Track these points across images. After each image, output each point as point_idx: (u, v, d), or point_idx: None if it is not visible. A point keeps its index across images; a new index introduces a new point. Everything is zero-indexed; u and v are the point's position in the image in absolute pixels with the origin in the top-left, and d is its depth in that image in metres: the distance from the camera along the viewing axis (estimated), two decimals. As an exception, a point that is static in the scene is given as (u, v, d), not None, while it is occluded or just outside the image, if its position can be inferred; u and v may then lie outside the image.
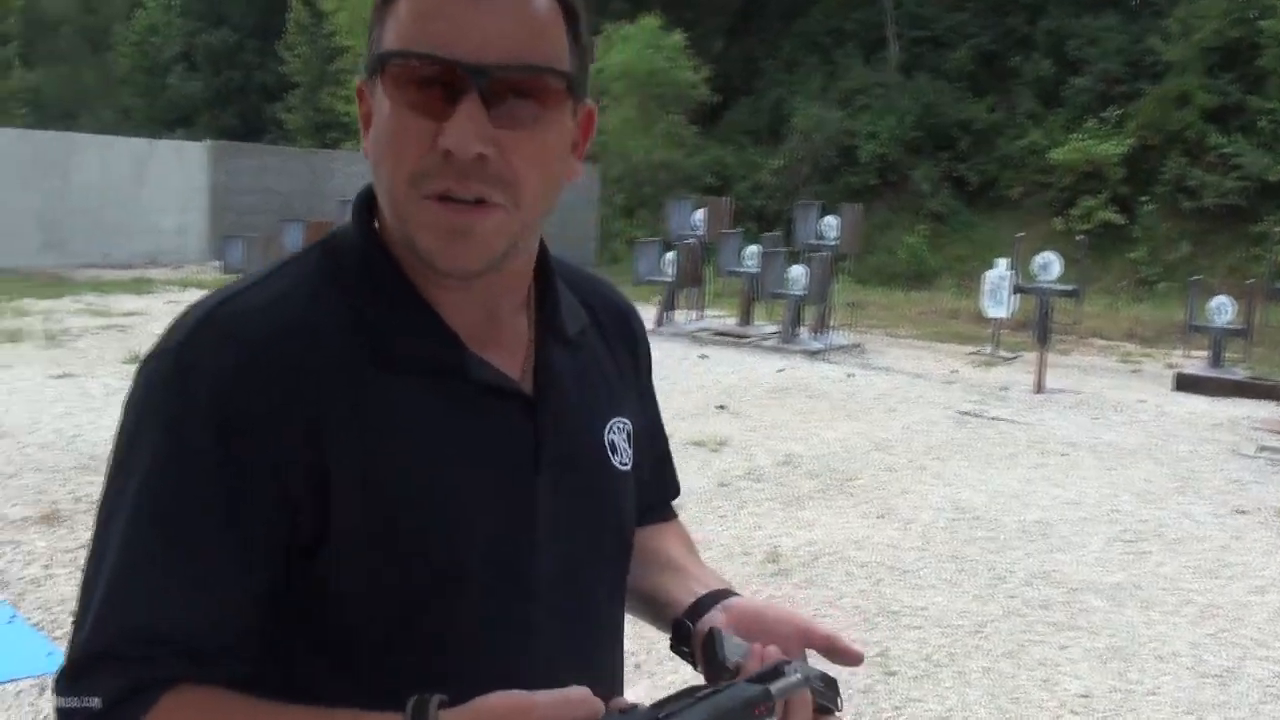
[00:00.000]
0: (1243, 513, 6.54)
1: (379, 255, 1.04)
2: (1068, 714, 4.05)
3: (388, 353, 1.02)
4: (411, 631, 1.01)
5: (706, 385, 9.42)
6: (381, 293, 1.03)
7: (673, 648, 1.20)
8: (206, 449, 0.94)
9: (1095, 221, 22.35)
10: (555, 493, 1.10)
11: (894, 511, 6.31)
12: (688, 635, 1.17)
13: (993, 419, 8.54)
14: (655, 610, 1.26)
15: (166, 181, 19.54)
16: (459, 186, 0.95)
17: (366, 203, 1.07)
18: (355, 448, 0.98)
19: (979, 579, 5.35)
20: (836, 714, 1.08)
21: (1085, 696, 4.19)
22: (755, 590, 5.11)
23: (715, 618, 1.16)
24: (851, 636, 1.13)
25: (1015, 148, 24.66)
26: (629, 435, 1.21)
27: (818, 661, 1.13)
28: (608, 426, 1.18)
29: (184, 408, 0.95)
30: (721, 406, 8.71)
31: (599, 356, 1.21)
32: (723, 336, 12.68)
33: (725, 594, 1.20)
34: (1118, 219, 22.70)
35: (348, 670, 1.01)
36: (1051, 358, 9.63)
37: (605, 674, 1.18)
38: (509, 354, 1.09)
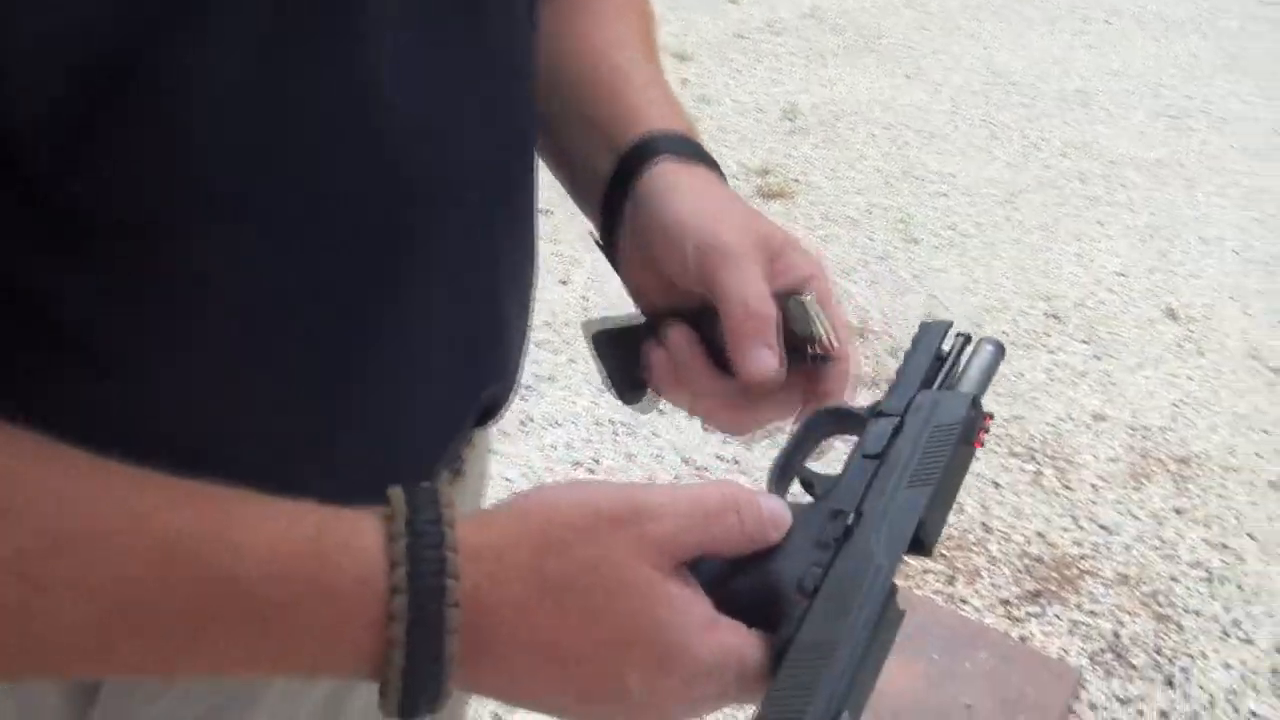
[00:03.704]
0: (1294, 95, 6.07)
1: None
2: (1103, 291, 3.78)
3: None
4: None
5: (721, -72, 8.56)
6: None
7: (595, 237, 0.75)
8: None
9: None
10: None
11: (923, 72, 5.79)
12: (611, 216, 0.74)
13: (1031, -19, 7.83)
14: (560, 156, 0.79)
15: None
16: None
17: None
18: None
19: (1012, 147, 4.95)
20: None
21: (1122, 275, 3.91)
22: (769, 149, 4.72)
23: (624, 244, 0.72)
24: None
25: None
26: None
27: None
28: None
29: None
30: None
31: None
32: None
33: (665, 143, 0.71)
34: None
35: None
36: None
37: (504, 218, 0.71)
38: None
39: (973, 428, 0.60)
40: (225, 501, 0.50)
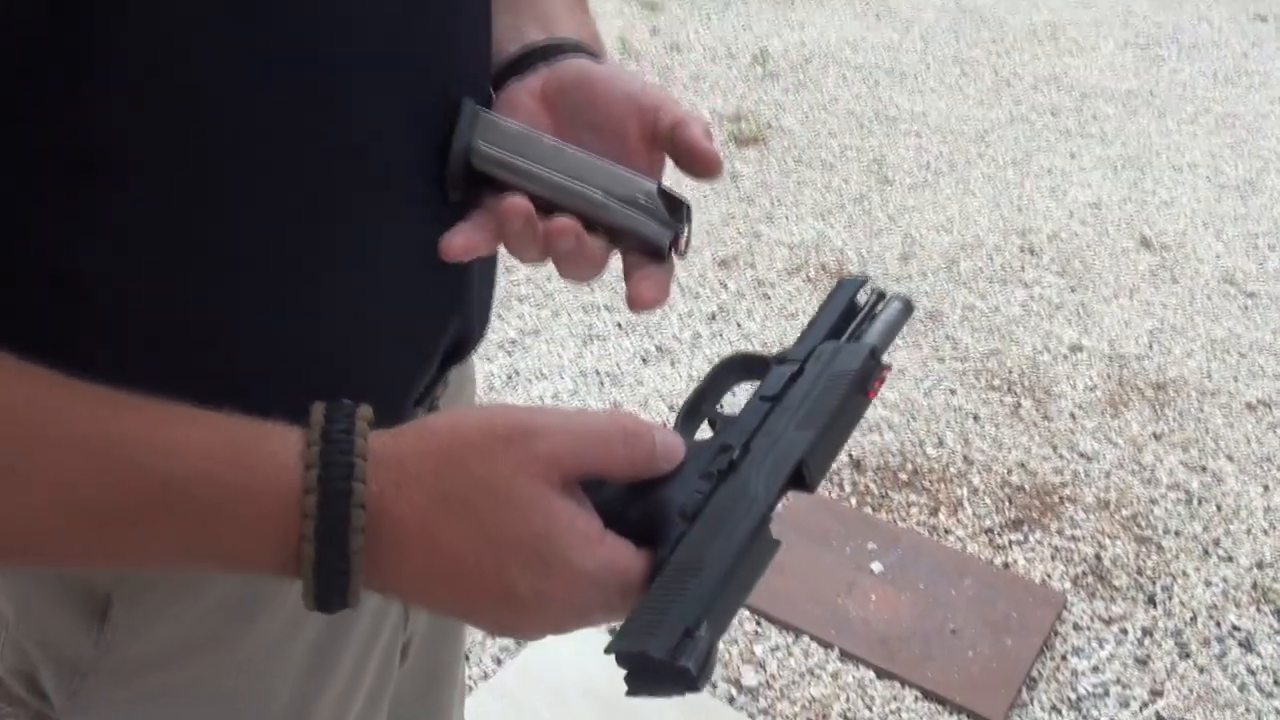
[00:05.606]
0: (1262, 19, 6.06)
1: None
2: (1076, 224, 3.81)
3: None
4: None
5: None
6: None
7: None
8: None
9: None
10: None
11: (893, 11, 5.78)
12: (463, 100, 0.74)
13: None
14: None
15: None
16: None
17: None
18: None
19: (983, 83, 4.96)
20: (677, 255, 0.70)
21: (1096, 206, 3.93)
22: (741, 96, 4.72)
23: (528, 84, 0.74)
24: (707, 128, 0.71)
25: None
26: None
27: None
28: None
29: None
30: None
31: None
32: None
33: (566, 48, 0.76)
34: None
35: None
36: None
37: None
38: None
39: (868, 377, 0.64)
40: (158, 410, 0.54)
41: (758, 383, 0.67)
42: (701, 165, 0.68)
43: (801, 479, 0.59)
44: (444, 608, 0.59)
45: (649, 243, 0.69)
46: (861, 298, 0.70)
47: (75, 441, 0.52)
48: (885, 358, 0.66)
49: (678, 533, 0.57)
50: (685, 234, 0.70)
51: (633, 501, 0.59)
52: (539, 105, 0.73)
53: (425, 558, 0.55)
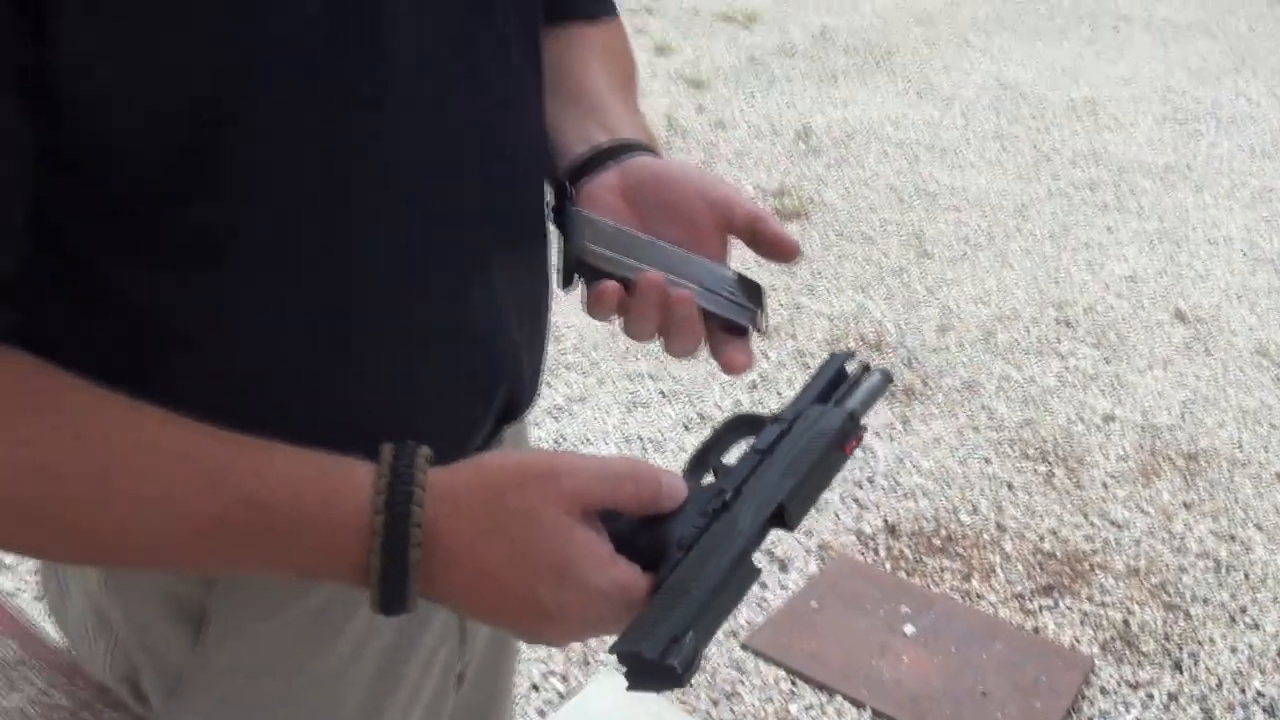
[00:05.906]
0: (1302, 94, 6.16)
1: None
2: (1112, 296, 3.90)
3: None
4: (180, 169, 0.65)
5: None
6: None
7: (554, 220, 0.89)
8: None
9: None
10: None
11: (934, 89, 5.93)
12: (567, 204, 0.87)
13: (1040, -7, 7.95)
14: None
15: None
16: None
17: None
18: None
19: (1022, 159, 5.08)
20: (758, 333, 0.82)
21: (1131, 279, 4.02)
22: (785, 171, 4.86)
23: (605, 181, 0.85)
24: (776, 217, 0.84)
25: None
26: None
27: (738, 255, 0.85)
28: None
29: None
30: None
31: None
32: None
33: (632, 148, 0.87)
34: None
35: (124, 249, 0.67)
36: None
37: (525, 242, 0.87)
38: None
39: (846, 436, 0.75)
40: (257, 444, 0.66)
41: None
42: (783, 253, 0.80)
43: (782, 519, 0.71)
44: (484, 617, 0.71)
45: (734, 325, 0.82)
46: (850, 368, 0.82)
47: (187, 461, 0.64)
48: (865, 420, 0.78)
49: (675, 559, 0.68)
50: (764, 315, 0.83)
51: (641, 533, 0.70)
52: (620, 200, 0.84)
53: (470, 577, 0.66)
